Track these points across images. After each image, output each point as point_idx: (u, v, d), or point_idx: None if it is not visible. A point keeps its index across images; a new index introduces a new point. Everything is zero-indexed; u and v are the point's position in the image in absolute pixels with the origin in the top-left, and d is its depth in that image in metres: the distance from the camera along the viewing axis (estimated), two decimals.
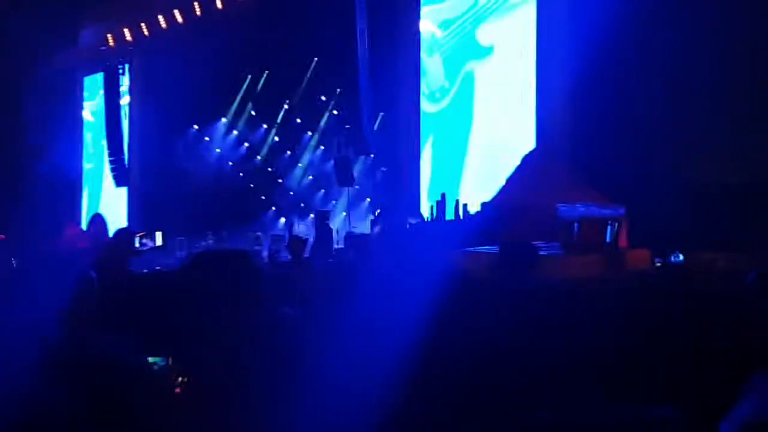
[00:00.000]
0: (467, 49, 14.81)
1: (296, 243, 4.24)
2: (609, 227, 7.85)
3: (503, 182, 12.13)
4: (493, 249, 8.10)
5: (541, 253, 6.67)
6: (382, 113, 17.07)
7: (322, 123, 20.35)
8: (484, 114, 14.42)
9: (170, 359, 3.72)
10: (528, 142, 12.97)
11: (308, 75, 19.29)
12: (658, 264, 7.62)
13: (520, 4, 13.87)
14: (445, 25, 15.25)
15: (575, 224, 8.08)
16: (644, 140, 11.15)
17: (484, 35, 14.51)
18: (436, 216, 13.42)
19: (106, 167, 22.29)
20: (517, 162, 12.21)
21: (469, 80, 14.78)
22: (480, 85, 14.61)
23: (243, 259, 3.76)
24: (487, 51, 14.45)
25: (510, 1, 14.07)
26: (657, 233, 8.75)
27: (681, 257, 7.99)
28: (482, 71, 14.55)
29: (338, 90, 18.53)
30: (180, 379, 3.48)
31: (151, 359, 3.55)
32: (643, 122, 11.23)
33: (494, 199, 11.90)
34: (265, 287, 3.73)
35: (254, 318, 3.50)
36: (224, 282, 3.54)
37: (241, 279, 3.59)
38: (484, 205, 12.13)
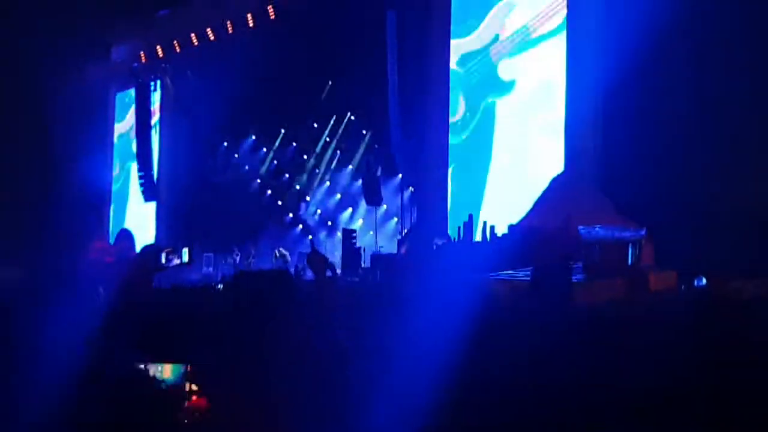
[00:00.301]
0: (489, 82, 14.88)
1: (317, 259, 4.19)
2: (630, 249, 7.76)
3: (530, 205, 12.08)
4: (523, 274, 8.04)
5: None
6: (410, 133, 17.07)
7: (351, 142, 20.39)
8: (507, 139, 14.41)
9: (187, 367, 3.75)
10: (555, 166, 12.91)
11: (338, 94, 19.34)
12: (684, 291, 7.51)
13: (544, 38, 13.89)
14: (467, 58, 15.30)
15: (596, 246, 8.00)
16: (673, 165, 11.07)
17: (507, 70, 14.60)
18: (463, 237, 13.36)
19: (132, 184, 22.47)
20: (545, 185, 12.15)
21: (490, 112, 14.86)
22: (503, 113, 14.65)
23: (283, 279, 3.78)
24: (510, 85, 14.52)
25: (532, 36, 14.10)
26: (685, 258, 8.66)
27: (704, 281, 7.87)
28: (505, 102, 14.61)
29: (367, 109, 18.56)
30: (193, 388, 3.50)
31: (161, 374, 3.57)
32: (673, 147, 11.15)
33: (522, 221, 11.84)
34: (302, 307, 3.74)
35: (292, 336, 3.51)
36: (264, 301, 3.57)
37: (281, 299, 3.62)
38: (511, 227, 12.06)
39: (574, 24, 13.09)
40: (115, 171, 23.49)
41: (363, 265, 15.65)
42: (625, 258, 7.73)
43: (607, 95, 12.17)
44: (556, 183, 11.97)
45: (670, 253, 8.65)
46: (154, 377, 3.51)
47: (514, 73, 14.50)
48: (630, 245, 7.76)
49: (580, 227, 8.07)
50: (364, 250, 16.47)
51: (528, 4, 14.32)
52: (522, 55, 14.33)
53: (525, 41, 14.26)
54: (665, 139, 11.26)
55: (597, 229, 8.02)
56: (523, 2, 14.42)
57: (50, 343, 3.48)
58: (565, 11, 13.50)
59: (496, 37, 14.78)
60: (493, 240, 12.41)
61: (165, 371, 4.29)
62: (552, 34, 13.77)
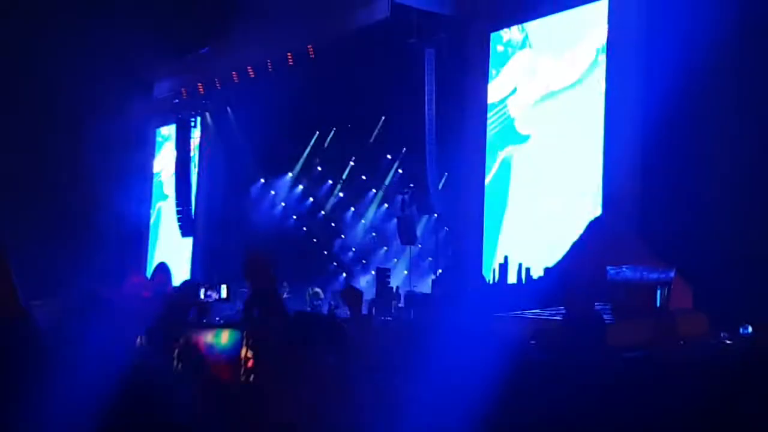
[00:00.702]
0: (508, 133, 15.04)
1: (351, 294, 4.21)
2: (659, 291, 7.66)
3: (567, 248, 12.02)
4: (549, 313, 7.99)
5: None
6: (446, 173, 17.11)
7: (387, 181, 20.50)
8: (544, 182, 14.43)
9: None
10: (592, 208, 12.87)
11: (375, 133, 19.48)
12: (726, 340, 7.39)
13: (563, 90, 13.99)
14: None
15: (623, 287, 7.92)
16: (715, 208, 10.96)
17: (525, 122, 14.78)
18: (499, 279, 13.33)
19: (163, 218, 22.74)
20: (581, 228, 12.09)
21: (507, 163, 15.03)
22: (519, 163, 14.80)
23: (336, 327, 3.94)
24: (526, 137, 14.74)
25: (552, 89, 14.22)
26: (727, 304, 8.55)
27: (750, 329, 7.73)
28: (522, 152, 14.77)
29: (404, 149, 18.66)
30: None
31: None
32: (714, 191, 11.05)
33: (558, 264, 11.78)
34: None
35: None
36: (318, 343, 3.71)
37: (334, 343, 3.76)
38: (547, 270, 12.01)
39: (613, 70, 13.10)
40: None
41: (397, 304, 15.65)
42: (653, 300, 7.63)
43: (645, 138, 12.13)
44: (593, 227, 11.91)
45: (711, 300, 8.54)
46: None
47: (532, 126, 14.61)
48: (658, 287, 7.67)
49: (608, 267, 8.01)
50: (398, 289, 16.47)
51: (548, 55, 14.42)
52: (540, 107, 14.41)
53: (544, 94, 14.34)
54: (706, 183, 11.17)
55: (624, 269, 7.96)
56: (542, 54, 14.52)
57: (87, 375, 3.54)
58: (585, 64, 13.56)
59: (515, 90, 14.92)
60: (528, 282, 12.37)
61: (223, 337, 4.44)
62: (572, 86, 13.87)
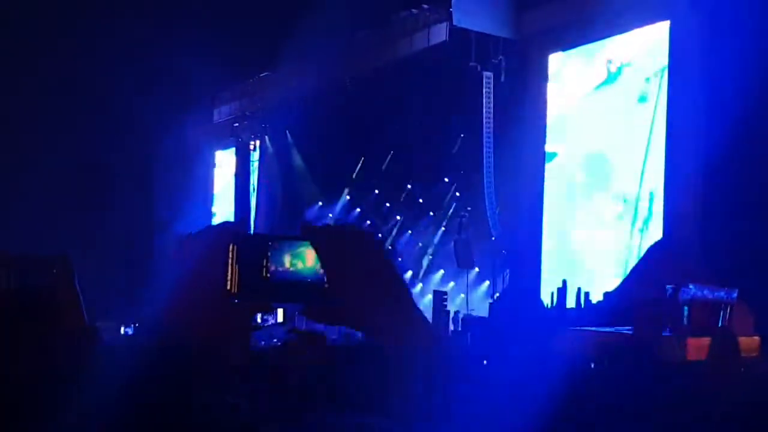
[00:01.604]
0: None
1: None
2: (721, 311, 7.53)
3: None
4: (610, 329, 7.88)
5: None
6: (504, 197, 17.01)
7: (444, 203, 20.42)
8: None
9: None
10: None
11: (433, 156, 19.45)
12: None
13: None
14: None
15: (685, 307, 7.80)
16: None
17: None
18: (557, 303, 13.18)
19: None
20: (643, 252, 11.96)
21: None
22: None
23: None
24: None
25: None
26: None
27: None
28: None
29: (462, 171, 18.60)
30: None
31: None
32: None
33: (617, 289, 11.64)
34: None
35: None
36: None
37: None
38: (607, 294, 11.86)
39: (675, 87, 12.97)
40: None
41: (453, 328, 15.55)
42: (716, 319, 7.50)
43: (707, 160, 11.94)
44: (654, 250, 11.75)
45: None
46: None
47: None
48: (721, 307, 7.54)
49: (669, 286, 7.90)
50: (455, 313, 16.36)
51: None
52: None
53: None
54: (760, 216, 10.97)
55: (690, 287, 7.84)
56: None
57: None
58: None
59: None
60: (588, 307, 12.22)
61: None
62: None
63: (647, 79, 13.66)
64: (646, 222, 13.44)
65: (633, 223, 13.66)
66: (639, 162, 13.60)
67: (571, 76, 15.13)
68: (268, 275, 3.91)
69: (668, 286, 7.95)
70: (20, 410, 2.97)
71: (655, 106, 13.40)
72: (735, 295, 7.70)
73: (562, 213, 15.13)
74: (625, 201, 13.93)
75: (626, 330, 7.79)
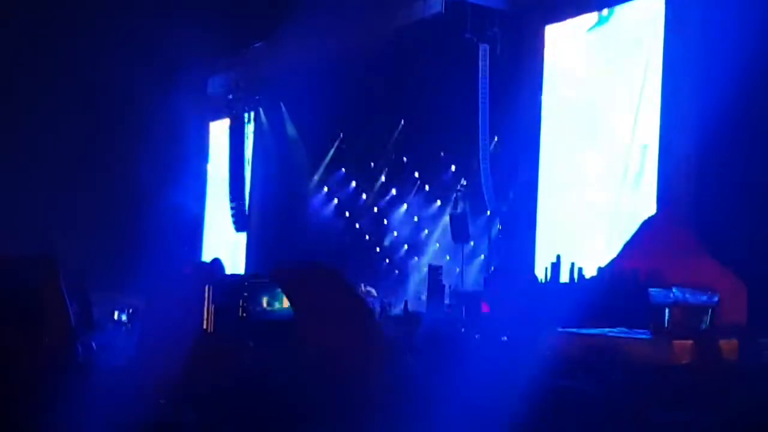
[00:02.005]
0: None
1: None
2: (703, 315, 7.49)
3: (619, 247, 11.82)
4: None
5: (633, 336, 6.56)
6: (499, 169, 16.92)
7: (440, 177, 20.33)
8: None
9: None
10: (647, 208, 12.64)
11: (428, 129, 19.33)
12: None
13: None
14: None
15: (666, 309, 7.75)
16: None
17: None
18: (551, 278, 13.12)
19: (207, 214, 23.02)
20: (635, 227, 11.88)
21: None
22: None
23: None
24: None
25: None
26: None
27: None
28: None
29: (457, 145, 18.49)
30: None
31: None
32: None
33: (611, 264, 11.57)
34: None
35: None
36: None
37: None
38: (600, 270, 11.79)
39: (670, 71, 12.80)
40: None
41: (448, 302, 15.53)
42: (695, 322, 7.45)
43: (702, 136, 11.83)
44: (647, 225, 11.67)
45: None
46: None
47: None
48: (702, 310, 7.49)
49: (653, 290, 7.85)
50: (450, 286, 16.33)
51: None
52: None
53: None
54: (764, 182, 10.87)
55: (673, 291, 7.81)
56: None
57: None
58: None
59: None
60: (581, 282, 12.16)
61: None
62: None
63: (641, 22, 13.39)
64: (638, 178, 13.26)
65: (624, 180, 13.49)
66: (631, 113, 13.38)
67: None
68: (245, 315, 3.93)
69: (651, 290, 7.90)
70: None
71: (647, 61, 13.20)
72: (717, 299, 7.66)
73: (551, 170, 14.96)
74: (615, 156, 13.72)
75: (614, 332, 7.71)
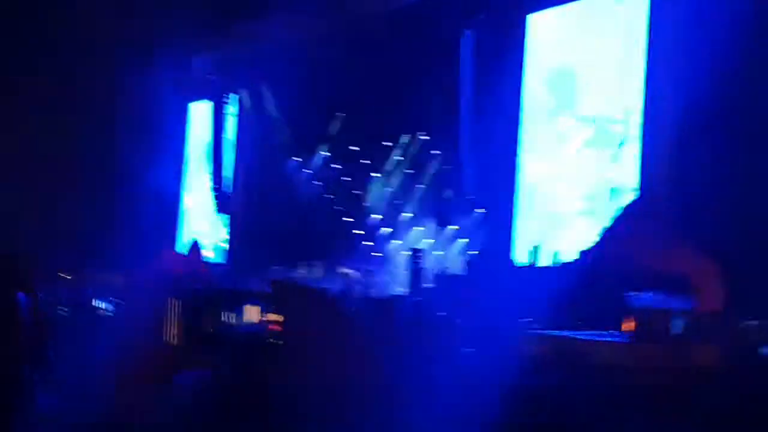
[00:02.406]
0: None
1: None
2: (675, 320, 7.48)
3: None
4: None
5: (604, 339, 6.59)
6: (480, 155, 16.90)
7: (422, 160, 20.29)
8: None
9: None
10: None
11: (411, 112, 19.28)
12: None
13: None
14: None
15: (641, 314, 7.75)
16: (758, 193, 10.67)
17: None
18: (529, 263, 13.16)
19: (187, 195, 22.95)
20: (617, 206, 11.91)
21: None
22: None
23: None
24: None
25: None
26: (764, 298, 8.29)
27: None
28: None
29: (439, 129, 18.45)
30: None
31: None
32: (757, 173, 10.75)
33: (591, 248, 11.58)
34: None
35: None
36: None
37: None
38: (582, 253, 11.81)
39: (655, 47, 12.76)
40: None
41: (428, 285, 15.54)
42: (668, 327, 7.43)
43: (684, 121, 11.83)
44: (628, 210, 11.68)
45: (750, 294, 8.30)
46: None
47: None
48: (675, 315, 7.49)
49: (629, 293, 7.87)
50: (431, 269, 16.34)
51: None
52: None
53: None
54: (747, 168, 10.89)
55: (643, 295, 7.84)
56: None
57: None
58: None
59: None
60: (561, 266, 12.19)
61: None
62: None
63: None
64: (620, 147, 13.25)
65: (604, 150, 13.46)
66: (613, 77, 13.32)
67: None
68: (213, 329, 3.89)
69: (627, 293, 7.90)
70: None
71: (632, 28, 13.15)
72: (690, 306, 7.67)
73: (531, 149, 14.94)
74: (594, 122, 13.67)
75: (584, 335, 7.69)
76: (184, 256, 15.80)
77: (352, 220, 21.55)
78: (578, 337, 6.72)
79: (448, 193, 18.08)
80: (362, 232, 21.31)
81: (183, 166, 23.32)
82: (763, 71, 10.67)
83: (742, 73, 10.68)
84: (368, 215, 21.40)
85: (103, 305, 13.69)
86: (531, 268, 13.00)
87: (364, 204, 21.53)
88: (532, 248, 13.40)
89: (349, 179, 21.72)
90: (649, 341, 6.92)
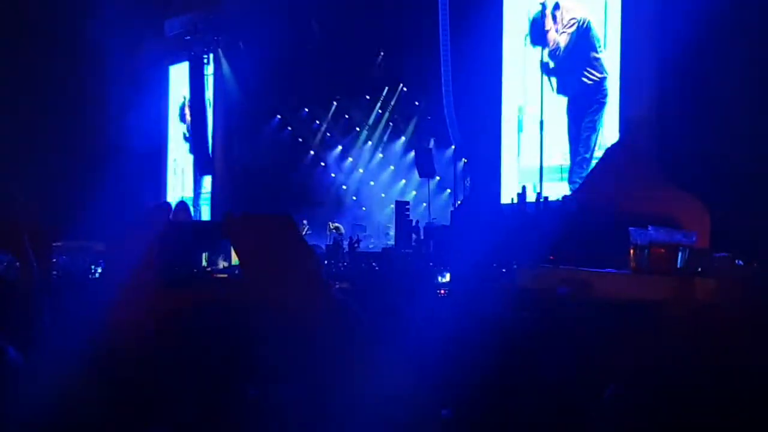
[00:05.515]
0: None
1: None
2: (680, 253, 7.59)
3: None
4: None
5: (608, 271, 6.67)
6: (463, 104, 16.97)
7: (404, 113, 20.35)
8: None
9: None
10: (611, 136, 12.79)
11: (391, 65, 19.28)
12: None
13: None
14: None
15: (645, 250, 7.87)
16: (733, 136, 10.80)
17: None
18: (517, 207, 13.26)
19: (170, 158, 23.01)
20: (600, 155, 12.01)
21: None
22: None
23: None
24: None
25: None
26: (743, 236, 8.44)
27: None
28: None
29: (420, 80, 18.48)
30: None
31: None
32: (732, 116, 10.88)
33: (575, 192, 11.71)
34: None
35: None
36: None
37: None
38: (565, 197, 11.93)
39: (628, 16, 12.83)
40: None
41: (416, 237, 15.68)
42: (673, 261, 7.55)
43: (663, 64, 11.92)
44: (610, 153, 11.79)
45: (728, 228, 8.46)
46: None
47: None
48: (679, 249, 7.60)
49: (631, 228, 7.98)
50: (417, 221, 16.48)
51: None
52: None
53: None
54: (726, 107, 11.00)
55: (649, 230, 7.92)
56: None
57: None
58: None
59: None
60: (547, 208, 12.30)
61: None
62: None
63: None
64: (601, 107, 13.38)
65: (587, 110, 13.58)
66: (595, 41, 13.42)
67: None
68: (210, 268, 3.91)
69: (631, 228, 8.01)
70: None
71: None
72: (694, 238, 7.77)
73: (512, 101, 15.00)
74: (579, 85, 13.73)
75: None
76: (174, 218, 15.84)
77: (336, 175, 21.67)
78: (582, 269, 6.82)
79: (432, 144, 18.16)
80: (347, 186, 21.46)
81: (165, 128, 23.24)
82: (735, 26, 10.80)
83: (714, 26, 10.79)
84: (353, 169, 21.51)
85: (93, 268, 13.76)
86: (516, 208, 13.09)
87: (347, 158, 21.62)
88: (517, 195, 13.50)
89: (332, 134, 21.77)
90: (653, 274, 7.06)
